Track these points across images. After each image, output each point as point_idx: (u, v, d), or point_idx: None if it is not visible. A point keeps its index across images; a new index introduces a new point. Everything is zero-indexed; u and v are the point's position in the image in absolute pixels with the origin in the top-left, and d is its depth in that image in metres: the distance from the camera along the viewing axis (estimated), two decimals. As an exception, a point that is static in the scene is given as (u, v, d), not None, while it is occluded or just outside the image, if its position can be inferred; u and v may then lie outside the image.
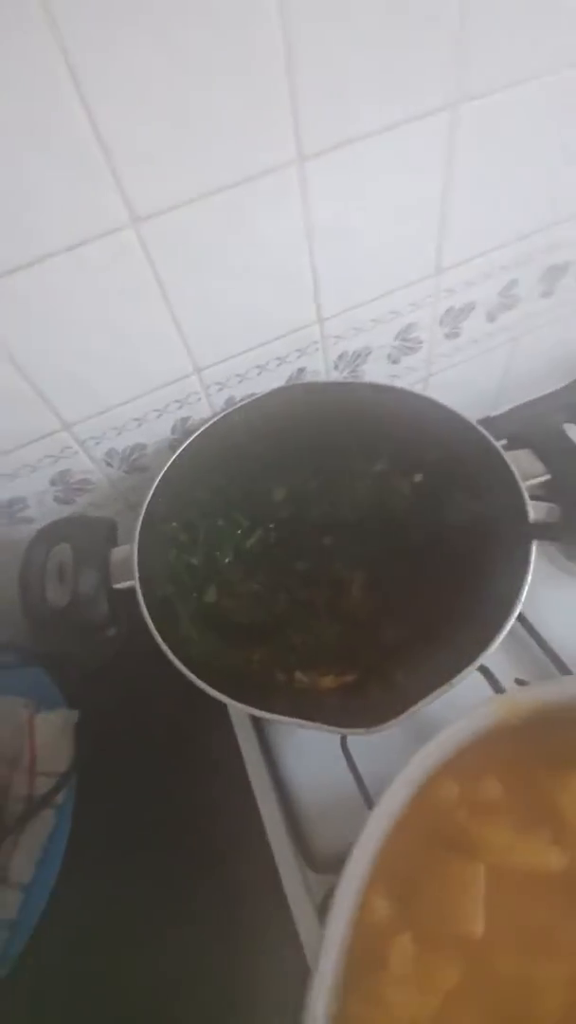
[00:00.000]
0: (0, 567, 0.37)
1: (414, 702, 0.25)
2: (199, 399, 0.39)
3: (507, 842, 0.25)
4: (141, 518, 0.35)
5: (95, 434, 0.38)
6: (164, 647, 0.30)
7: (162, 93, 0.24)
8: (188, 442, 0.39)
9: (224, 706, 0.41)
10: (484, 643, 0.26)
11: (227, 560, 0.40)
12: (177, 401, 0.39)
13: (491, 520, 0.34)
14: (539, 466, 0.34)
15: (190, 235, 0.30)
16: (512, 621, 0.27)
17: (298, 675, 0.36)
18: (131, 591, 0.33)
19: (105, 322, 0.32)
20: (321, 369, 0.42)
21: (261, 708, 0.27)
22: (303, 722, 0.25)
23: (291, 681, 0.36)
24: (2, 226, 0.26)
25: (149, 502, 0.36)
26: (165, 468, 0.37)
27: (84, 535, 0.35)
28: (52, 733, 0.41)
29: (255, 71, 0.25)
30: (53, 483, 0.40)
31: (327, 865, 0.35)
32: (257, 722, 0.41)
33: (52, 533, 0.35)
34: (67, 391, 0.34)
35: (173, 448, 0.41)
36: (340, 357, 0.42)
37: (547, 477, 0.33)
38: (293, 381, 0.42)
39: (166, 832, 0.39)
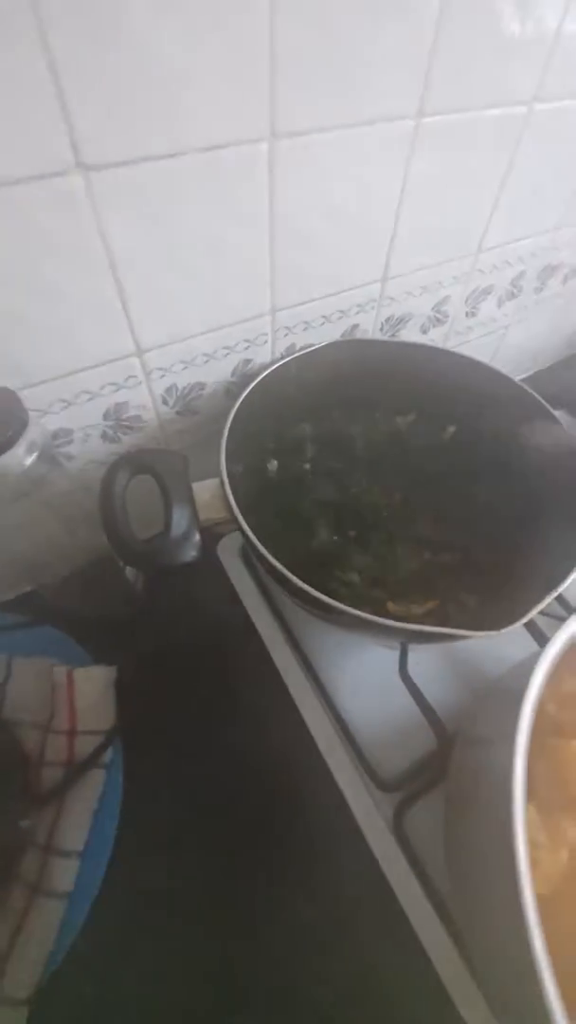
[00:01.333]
0: (31, 503, 0.33)
1: (533, 605, 0.28)
2: (266, 341, 0.39)
3: (596, 720, 0.29)
4: (223, 450, 0.34)
5: (164, 364, 0.36)
6: (300, 583, 0.29)
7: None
8: (253, 385, 0.38)
9: (266, 654, 0.42)
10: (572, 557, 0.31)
11: (301, 498, 0.41)
12: (247, 340, 0.38)
13: (541, 461, 0.38)
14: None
15: (313, 165, 0.30)
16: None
17: (391, 606, 0.37)
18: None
19: (211, 240, 0.31)
20: (370, 328, 0.44)
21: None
22: (443, 629, 0.27)
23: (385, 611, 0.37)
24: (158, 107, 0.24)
25: (227, 439, 0.35)
26: (237, 406, 0.36)
27: (165, 467, 0.33)
28: (94, 690, 0.38)
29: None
30: (106, 416, 0.37)
31: (394, 784, 0.37)
32: (306, 662, 0.42)
33: (133, 463, 0.32)
34: (154, 311, 0.32)
35: (229, 392, 0.41)
36: (387, 320, 0.45)
37: None
38: (347, 335, 0.44)
39: (223, 785, 0.38)
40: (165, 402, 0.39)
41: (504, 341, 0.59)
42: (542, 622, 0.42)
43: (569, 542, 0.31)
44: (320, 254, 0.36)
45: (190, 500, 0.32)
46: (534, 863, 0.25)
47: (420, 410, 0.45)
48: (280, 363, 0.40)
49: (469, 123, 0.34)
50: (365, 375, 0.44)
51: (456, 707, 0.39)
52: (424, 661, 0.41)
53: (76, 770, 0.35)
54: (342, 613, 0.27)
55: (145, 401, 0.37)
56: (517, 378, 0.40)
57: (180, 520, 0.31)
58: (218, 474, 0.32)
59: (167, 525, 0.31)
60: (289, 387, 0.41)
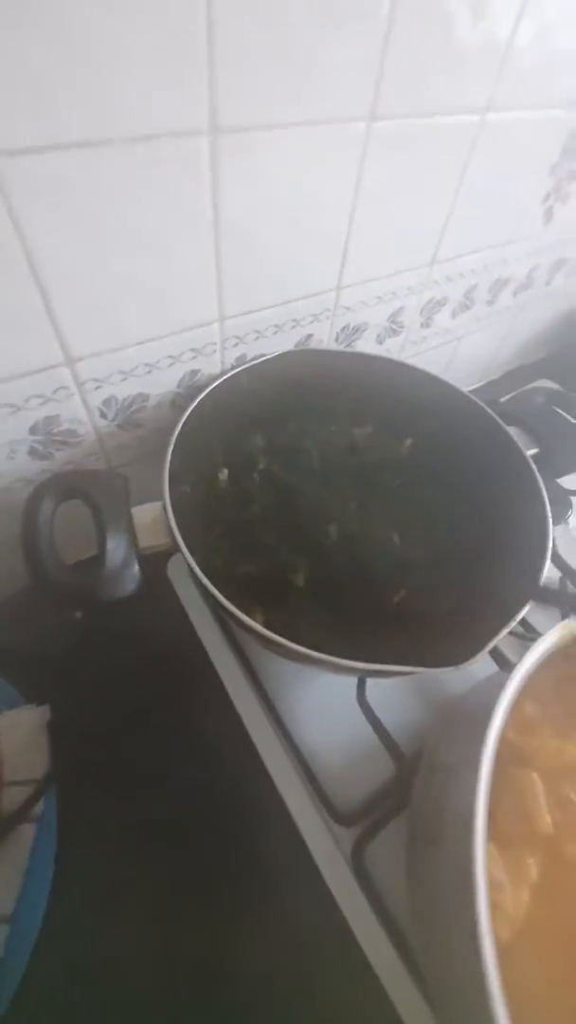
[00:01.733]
0: None
1: (491, 636, 0.27)
2: (214, 351, 0.37)
3: (556, 747, 0.29)
4: (167, 471, 0.31)
5: (99, 375, 0.33)
6: (250, 621, 0.27)
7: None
8: (201, 397, 0.36)
9: (217, 684, 0.40)
10: (534, 576, 0.30)
11: (242, 515, 0.38)
12: (193, 350, 0.35)
13: (497, 481, 0.38)
14: (528, 440, 0.39)
15: (261, 164, 0.28)
16: (548, 559, 0.31)
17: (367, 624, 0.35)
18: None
19: (155, 237, 0.28)
20: (325, 338, 0.43)
21: (363, 660, 0.26)
22: (402, 668, 0.26)
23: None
24: (76, 93, 0.21)
25: (171, 457, 0.32)
26: (182, 421, 0.34)
27: (100, 490, 0.30)
28: (21, 735, 0.34)
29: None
30: (33, 431, 0.33)
31: (353, 817, 0.35)
32: (261, 690, 0.40)
33: (61, 486, 0.29)
34: (84, 317, 0.29)
35: (175, 404, 0.38)
36: (343, 329, 0.43)
37: (536, 450, 0.39)
38: (300, 345, 0.42)
39: (172, 829, 0.35)
40: (103, 415, 0.35)
41: (458, 352, 0.59)
42: (504, 641, 0.42)
43: (526, 567, 0.30)
44: (271, 260, 0.34)
45: (128, 528, 0.29)
46: (495, 907, 0.24)
47: (378, 422, 0.44)
48: (230, 374, 0.37)
49: (422, 129, 0.32)
50: (321, 386, 0.42)
51: (417, 729, 0.38)
52: (383, 684, 0.40)
53: (2, 826, 0.32)
54: (295, 652, 0.25)
55: (79, 414, 0.34)
56: (468, 388, 0.40)
57: (116, 551, 0.28)
58: (161, 496, 0.30)
59: (101, 557, 0.28)
60: (240, 399, 0.39)
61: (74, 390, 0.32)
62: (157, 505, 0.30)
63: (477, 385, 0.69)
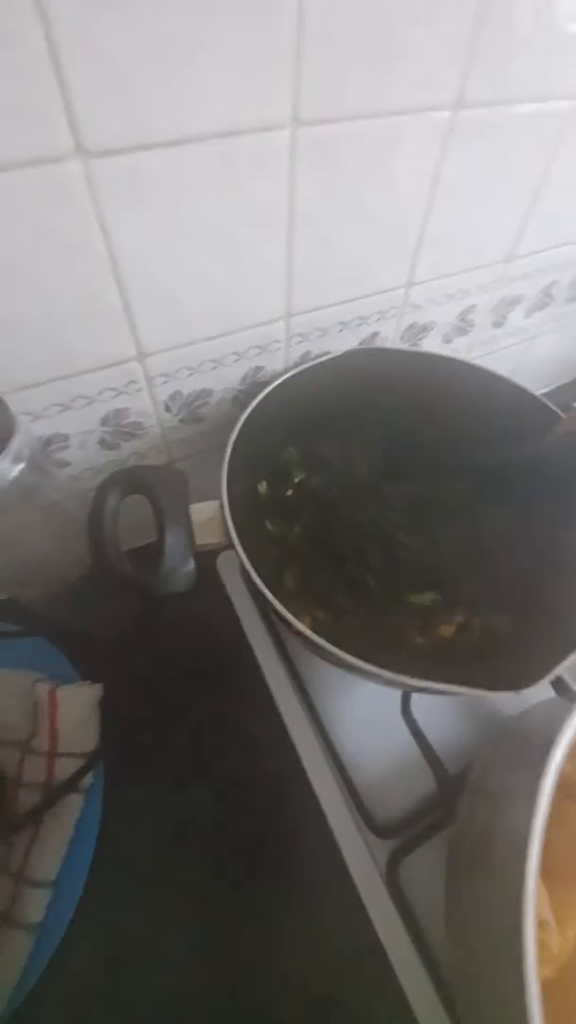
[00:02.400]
0: (18, 516, 0.31)
1: (557, 662, 0.26)
2: (279, 348, 0.37)
3: (617, 785, 0.27)
4: (225, 470, 0.31)
5: (167, 371, 0.33)
6: (300, 626, 0.26)
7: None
8: (260, 398, 0.35)
9: (261, 681, 0.40)
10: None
11: (301, 519, 0.38)
12: (258, 347, 0.36)
13: (568, 493, 0.35)
14: None
15: (337, 157, 0.28)
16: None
17: (417, 639, 0.35)
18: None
19: (223, 237, 0.28)
20: (391, 336, 0.42)
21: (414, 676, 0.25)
22: (458, 688, 0.25)
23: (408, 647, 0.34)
24: (161, 91, 0.22)
25: (229, 456, 0.32)
26: (241, 422, 0.33)
27: (163, 487, 0.30)
28: (78, 709, 0.36)
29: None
30: (104, 422, 0.34)
31: (390, 830, 0.35)
32: (303, 692, 0.40)
33: (126, 481, 0.29)
34: (158, 313, 0.30)
35: (237, 401, 0.38)
36: (409, 327, 0.42)
37: None
38: (366, 343, 0.41)
39: (208, 820, 0.36)
40: (168, 409, 0.36)
41: (529, 352, 0.56)
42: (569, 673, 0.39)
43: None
44: (342, 256, 0.33)
45: (187, 525, 0.30)
46: (540, 945, 0.23)
47: (440, 426, 0.42)
48: (290, 374, 0.37)
49: (506, 118, 0.30)
50: (384, 386, 0.41)
51: (462, 747, 0.37)
52: (429, 699, 0.38)
53: (54, 794, 0.34)
54: (344, 661, 0.25)
55: (146, 408, 0.35)
56: (540, 390, 0.38)
57: (175, 547, 0.28)
58: (218, 494, 0.30)
59: (160, 552, 0.28)
60: (301, 399, 0.38)
61: (143, 384, 0.33)
62: (215, 504, 0.30)
63: (548, 388, 0.65)
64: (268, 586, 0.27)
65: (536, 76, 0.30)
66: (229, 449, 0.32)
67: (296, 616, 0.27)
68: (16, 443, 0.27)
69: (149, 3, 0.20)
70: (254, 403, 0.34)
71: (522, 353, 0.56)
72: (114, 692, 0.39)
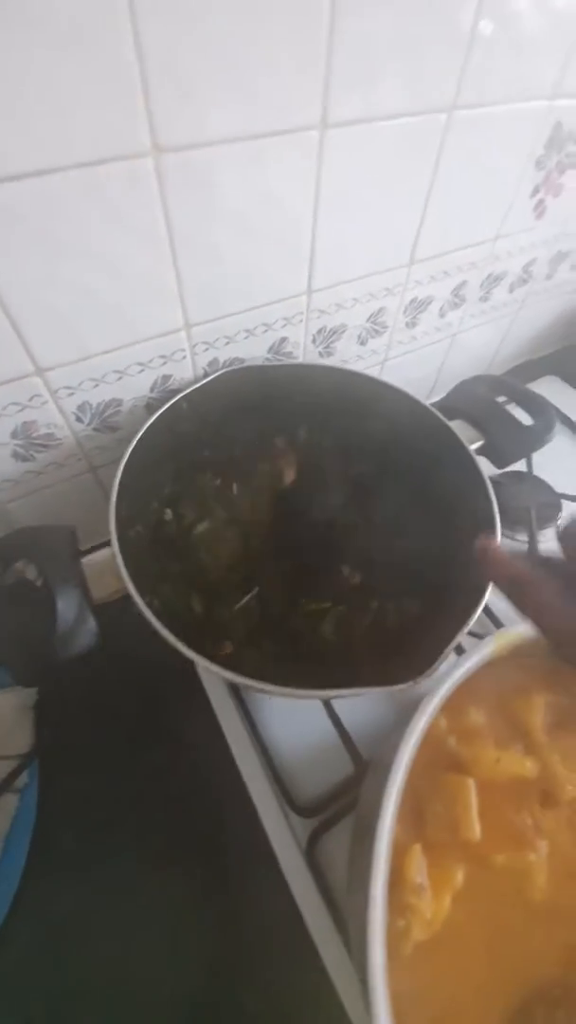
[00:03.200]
0: None
1: (442, 646, 0.28)
2: (184, 357, 0.38)
3: (492, 757, 0.29)
4: (113, 516, 0.31)
5: (70, 383, 0.35)
6: (212, 665, 0.28)
7: (218, 22, 0.23)
8: (167, 407, 0.37)
9: (194, 676, 0.42)
10: (480, 590, 0.30)
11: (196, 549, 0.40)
12: (162, 356, 0.37)
13: (447, 479, 0.37)
14: (473, 433, 0.38)
15: (209, 178, 0.29)
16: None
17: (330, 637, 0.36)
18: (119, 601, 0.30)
19: (106, 256, 0.29)
20: (301, 341, 0.43)
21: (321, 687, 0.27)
22: (357, 691, 0.26)
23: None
24: (17, 125, 0.23)
25: (116, 498, 0.32)
26: (125, 458, 0.33)
27: (44, 549, 0.29)
28: (8, 713, 0.37)
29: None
30: (14, 435, 0.35)
31: (310, 810, 0.36)
32: (235, 688, 0.42)
33: (5, 549, 0.29)
34: (48, 330, 0.31)
35: (150, 407, 0.40)
36: (319, 332, 0.44)
37: (482, 442, 0.38)
38: (274, 350, 0.42)
39: (142, 810, 0.38)
40: (79, 419, 0.37)
41: (453, 349, 0.58)
42: (469, 643, 0.41)
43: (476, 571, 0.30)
44: (232, 269, 0.34)
45: (79, 582, 0.29)
46: (411, 909, 0.25)
47: (319, 434, 0.44)
48: (171, 403, 0.37)
49: (379, 132, 0.32)
50: (258, 402, 0.41)
51: (377, 731, 0.39)
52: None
53: (-15, 797, 0.35)
54: (250, 687, 0.26)
55: (55, 419, 0.36)
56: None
57: (67, 610, 0.28)
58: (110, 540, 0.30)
59: (52, 619, 0.27)
60: (185, 425, 0.39)
61: (47, 397, 0.34)
62: (107, 553, 0.30)
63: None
64: (176, 619, 0.28)
65: (400, 92, 0.31)
66: (115, 493, 0.31)
67: (210, 641, 0.28)
68: None
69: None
70: (131, 445, 0.34)
71: (446, 350, 0.58)
72: (48, 693, 0.40)
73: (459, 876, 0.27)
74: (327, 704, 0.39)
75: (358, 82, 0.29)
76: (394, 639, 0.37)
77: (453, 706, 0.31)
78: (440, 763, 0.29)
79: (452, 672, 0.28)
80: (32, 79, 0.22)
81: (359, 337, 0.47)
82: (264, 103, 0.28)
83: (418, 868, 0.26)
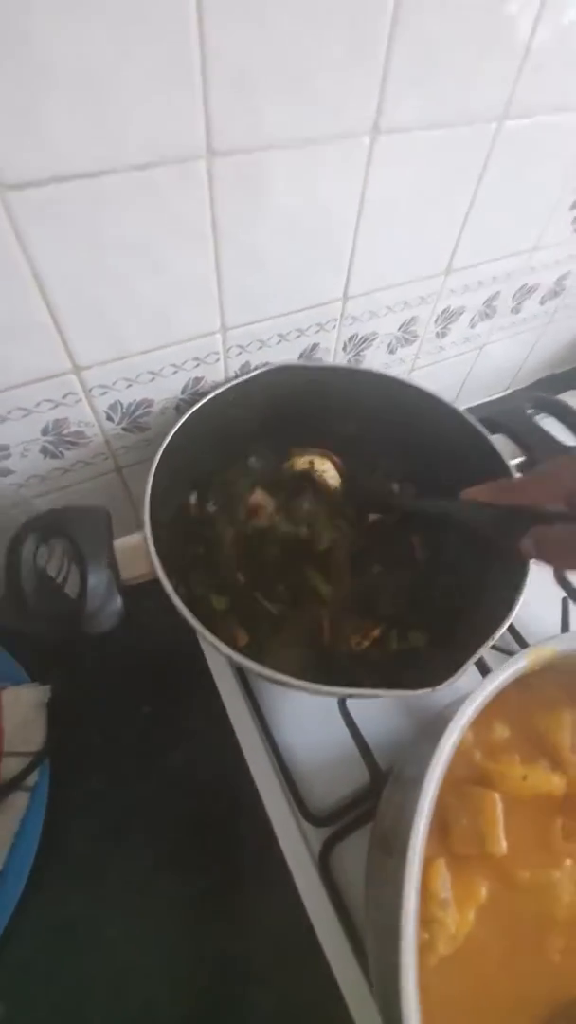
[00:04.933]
0: None
1: (467, 657, 0.28)
2: (217, 360, 0.38)
3: (519, 773, 0.29)
4: (147, 503, 0.31)
5: (105, 382, 0.35)
6: (234, 654, 0.28)
7: (279, 24, 0.23)
8: (199, 405, 0.37)
9: (208, 678, 0.42)
10: (509, 604, 0.30)
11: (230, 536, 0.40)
12: (196, 359, 0.37)
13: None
14: (514, 448, 0.38)
15: (259, 182, 0.29)
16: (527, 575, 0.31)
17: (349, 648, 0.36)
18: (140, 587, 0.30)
19: (151, 255, 0.29)
20: (332, 347, 0.43)
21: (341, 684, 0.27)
22: (376, 692, 0.26)
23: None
24: (83, 122, 0.23)
25: (151, 486, 0.32)
26: (163, 446, 0.34)
27: (80, 527, 0.30)
28: (23, 710, 0.37)
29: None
30: (45, 432, 0.35)
31: (324, 819, 0.36)
32: (248, 691, 0.42)
33: (42, 526, 0.29)
34: (88, 328, 0.31)
35: (180, 409, 0.40)
36: (351, 339, 0.44)
37: (523, 459, 0.38)
38: (305, 355, 0.42)
39: (152, 814, 0.37)
40: (110, 419, 0.37)
41: (479, 361, 0.58)
42: (493, 658, 0.41)
43: (505, 585, 0.30)
44: (272, 272, 0.34)
45: (110, 563, 0.30)
46: (436, 922, 0.25)
47: (356, 442, 0.44)
48: (232, 383, 0.38)
49: (431, 141, 0.32)
50: (294, 403, 0.42)
51: (394, 741, 0.39)
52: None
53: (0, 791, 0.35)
54: (269, 677, 0.26)
55: (87, 418, 0.36)
56: (493, 396, 0.39)
57: (97, 588, 0.28)
58: (142, 524, 0.30)
59: (82, 594, 0.28)
60: (225, 419, 0.39)
61: (81, 395, 0.34)
62: (139, 537, 0.30)
63: (501, 394, 0.67)
64: (198, 607, 0.28)
65: (452, 100, 0.31)
66: (150, 481, 0.32)
67: (228, 633, 0.28)
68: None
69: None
70: (171, 433, 0.34)
71: (472, 361, 0.58)
72: (62, 692, 0.40)
73: (483, 891, 0.27)
74: (344, 711, 0.39)
75: (413, 87, 0.29)
76: (416, 651, 0.37)
77: (479, 720, 0.31)
78: (466, 777, 0.29)
79: (484, 686, 0.28)
80: (94, 78, 0.22)
81: (389, 346, 0.47)
82: (319, 107, 0.28)
83: (443, 882, 0.26)
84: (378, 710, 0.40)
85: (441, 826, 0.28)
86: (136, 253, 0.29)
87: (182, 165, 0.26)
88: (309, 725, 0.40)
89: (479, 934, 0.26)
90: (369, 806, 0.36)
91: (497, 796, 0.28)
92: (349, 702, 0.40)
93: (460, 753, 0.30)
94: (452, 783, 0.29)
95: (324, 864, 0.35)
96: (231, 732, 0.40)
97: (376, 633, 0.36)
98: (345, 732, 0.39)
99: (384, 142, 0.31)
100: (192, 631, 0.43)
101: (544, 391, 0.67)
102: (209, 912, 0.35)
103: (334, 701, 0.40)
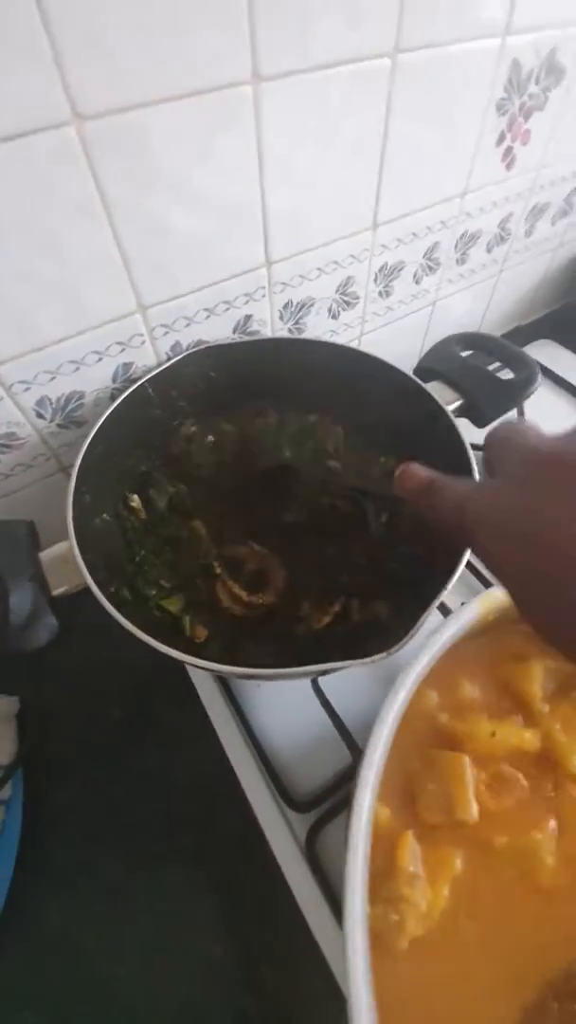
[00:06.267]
0: None
1: (415, 618, 0.26)
2: (143, 342, 0.37)
3: (487, 730, 0.27)
4: (70, 507, 0.30)
5: (25, 377, 0.34)
6: (171, 651, 0.26)
7: None
8: (128, 393, 0.36)
9: (181, 672, 0.40)
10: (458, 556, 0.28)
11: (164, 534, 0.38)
12: (119, 343, 0.36)
13: (427, 442, 0.35)
14: (451, 393, 0.37)
15: (141, 145, 0.28)
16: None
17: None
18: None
19: (45, 234, 0.28)
20: (267, 318, 0.42)
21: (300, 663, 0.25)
22: (332, 665, 0.25)
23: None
24: None
25: (74, 488, 0.31)
26: (85, 446, 0.33)
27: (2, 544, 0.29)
28: (-12, 723, 0.36)
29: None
30: (-27, 437, 0.35)
31: (307, 804, 0.35)
32: (223, 681, 0.40)
33: None
34: (-5, 321, 0.30)
35: (115, 399, 0.38)
36: (285, 307, 0.42)
37: (460, 402, 0.36)
38: (240, 329, 0.41)
39: (132, 815, 0.36)
40: (40, 416, 0.36)
41: (435, 317, 0.56)
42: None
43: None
44: (178, 241, 0.33)
45: (36, 577, 0.28)
46: (405, 901, 0.23)
47: (289, 408, 0.42)
48: (132, 389, 0.36)
49: (319, 83, 0.30)
50: (226, 380, 0.41)
51: (371, 718, 0.37)
52: (339, 673, 0.38)
53: (-31, 809, 0.34)
54: (221, 671, 0.25)
55: (15, 417, 0.35)
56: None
57: (21, 604, 0.27)
58: (66, 533, 0.29)
59: (4, 613, 0.27)
60: (149, 409, 0.38)
61: (2, 393, 0.33)
62: (65, 546, 0.29)
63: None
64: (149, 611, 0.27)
65: (339, 38, 0.30)
66: (73, 482, 0.31)
67: (191, 628, 0.27)
68: None
69: None
70: (92, 432, 0.34)
71: (427, 318, 0.56)
72: (32, 700, 0.39)
73: (457, 862, 0.25)
74: (318, 692, 0.38)
75: (288, 30, 0.28)
76: (377, 621, 0.35)
77: (444, 680, 0.29)
78: (432, 741, 0.27)
79: (434, 640, 0.26)
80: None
81: (330, 310, 0.45)
82: (188, 59, 0.26)
83: (411, 856, 0.24)
84: (352, 687, 0.38)
85: (407, 796, 0.26)
86: (28, 232, 0.28)
87: (52, 132, 0.25)
88: (286, 710, 0.38)
89: (455, 910, 0.24)
90: (352, 786, 0.34)
91: (466, 758, 0.26)
92: (322, 682, 0.38)
93: (425, 716, 0.28)
94: (417, 749, 0.27)
95: (311, 851, 0.33)
96: (208, 727, 0.38)
97: (336, 607, 0.34)
98: (322, 713, 0.37)
99: (269, 89, 0.29)
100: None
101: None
102: (196, 911, 0.33)
103: (308, 684, 0.38)
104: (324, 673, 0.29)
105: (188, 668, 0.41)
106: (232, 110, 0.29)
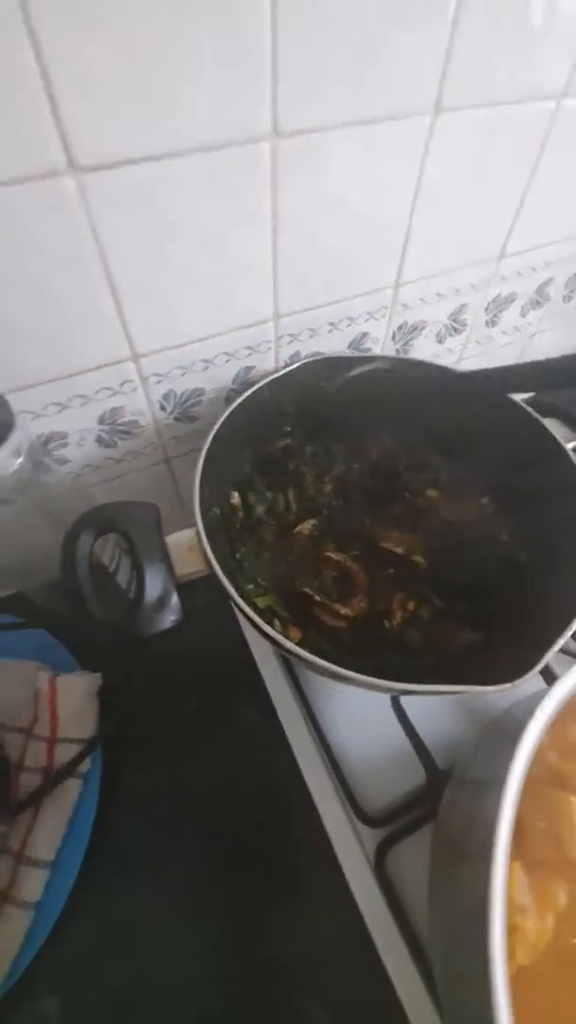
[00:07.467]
0: (19, 508, 0.32)
1: (542, 652, 0.26)
2: (269, 348, 0.38)
3: (599, 774, 0.27)
4: (197, 497, 0.31)
5: (160, 371, 0.35)
6: (300, 651, 0.26)
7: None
8: (229, 411, 0.35)
9: (256, 675, 0.41)
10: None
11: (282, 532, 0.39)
12: (248, 348, 0.37)
13: (540, 479, 0.35)
14: (568, 432, 0.36)
15: (320, 164, 0.29)
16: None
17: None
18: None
19: (212, 238, 0.29)
20: (381, 337, 0.43)
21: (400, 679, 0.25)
22: (440, 688, 0.25)
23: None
24: (143, 109, 0.23)
25: (200, 479, 0.31)
26: (210, 438, 0.33)
27: (133, 523, 0.29)
28: (76, 697, 0.37)
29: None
30: (101, 421, 0.36)
31: (379, 820, 0.35)
32: (297, 687, 0.41)
33: (96, 522, 0.29)
34: (148, 315, 0.31)
35: (229, 400, 0.39)
36: (400, 328, 0.43)
37: None
38: (354, 345, 0.42)
39: (204, 810, 0.37)
40: (163, 408, 0.38)
41: (528, 351, 0.56)
42: (554, 659, 0.39)
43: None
44: (328, 257, 0.34)
45: (164, 558, 0.29)
46: (515, 929, 0.23)
47: (400, 430, 0.43)
48: (282, 372, 0.38)
49: (490, 120, 0.31)
50: (335, 396, 0.40)
51: (451, 741, 0.37)
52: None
53: (53, 778, 0.35)
54: (327, 670, 0.25)
55: (141, 407, 0.36)
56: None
57: (154, 584, 0.27)
58: (193, 519, 0.29)
59: (139, 592, 0.27)
60: (268, 411, 0.39)
61: (138, 384, 0.35)
62: (191, 532, 0.30)
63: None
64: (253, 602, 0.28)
65: (511, 79, 0.30)
66: (199, 473, 0.31)
67: (284, 629, 0.27)
68: (15, 438, 0.28)
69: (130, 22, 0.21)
70: (217, 424, 0.34)
71: (521, 352, 0.56)
72: (113, 681, 0.40)
73: (562, 897, 0.25)
74: (397, 707, 0.38)
75: (475, 65, 0.29)
76: (482, 645, 0.35)
77: (552, 721, 0.29)
78: (541, 779, 0.27)
79: (561, 683, 0.26)
80: (164, 58, 0.23)
81: (438, 335, 0.46)
82: (382, 85, 0.27)
83: (521, 888, 0.24)
84: (431, 708, 0.39)
85: (517, 829, 0.26)
86: (198, 237, 0.29)
87: (248, 147, 0.26)
88: (360, 723, 0.39)
89: (560, 942, 0.24)
90: (427, 807, 0.35)
91: (574, 799, 0.26)
92: (403, 699, 0.38)
93: (535, 755, 0.28)
94: (527, 785, 0.27)
95: (380, 866, 0.34)
96: (281, 731, 0.39)
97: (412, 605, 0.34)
98: (397, 729, 0.37)
99: (445, 121, 0.30)
100: (239, 629, 0.42)
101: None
102: (262, 915, 0.33)
103: (385, 698, 0.39)
104: (428, 693, 0.29)
105: (264, 674, 0.41)
106: (408, 138, 0.30)
